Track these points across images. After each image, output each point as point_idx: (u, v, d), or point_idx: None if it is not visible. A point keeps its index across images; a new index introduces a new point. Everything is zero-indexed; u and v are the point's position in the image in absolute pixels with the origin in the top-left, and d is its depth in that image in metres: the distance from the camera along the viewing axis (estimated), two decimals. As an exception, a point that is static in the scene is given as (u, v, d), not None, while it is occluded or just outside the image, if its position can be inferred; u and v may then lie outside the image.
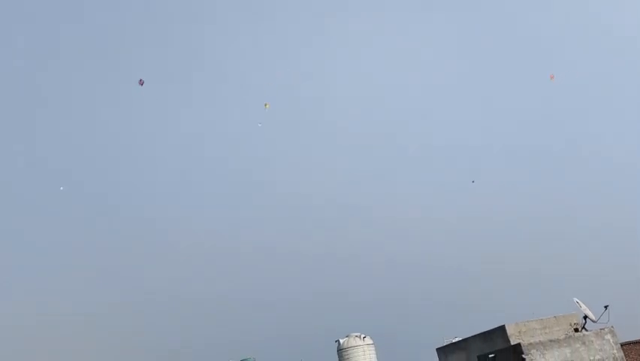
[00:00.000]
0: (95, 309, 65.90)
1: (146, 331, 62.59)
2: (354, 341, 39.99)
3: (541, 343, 25.82)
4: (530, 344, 26.08)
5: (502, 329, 33.17)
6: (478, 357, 30.61)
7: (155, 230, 77.44)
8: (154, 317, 65.35)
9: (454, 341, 39.04)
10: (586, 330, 28.82)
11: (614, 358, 26.44)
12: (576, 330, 28.86)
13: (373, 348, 39.34)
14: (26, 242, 73.06)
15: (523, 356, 26.29)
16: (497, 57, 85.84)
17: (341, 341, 40.72)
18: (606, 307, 28.18)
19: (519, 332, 32.05)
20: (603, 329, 27.77)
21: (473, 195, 75.45)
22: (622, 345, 28.29)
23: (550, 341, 26.03)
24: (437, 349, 40.42)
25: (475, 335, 36.26)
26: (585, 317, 29.27)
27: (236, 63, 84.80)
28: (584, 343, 26.70)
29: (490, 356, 28.93)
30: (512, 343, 30.85)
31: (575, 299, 28.29)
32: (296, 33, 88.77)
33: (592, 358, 26.25)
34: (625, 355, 28.07)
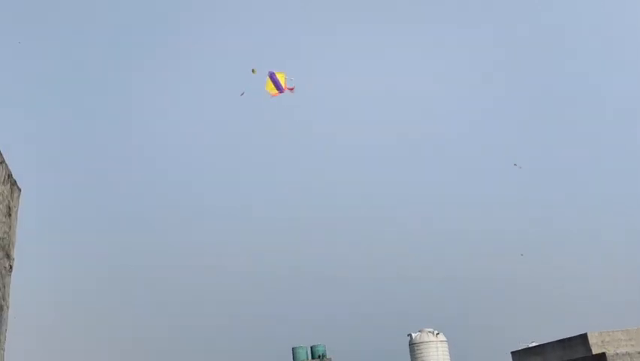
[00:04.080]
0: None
1: (213, 317, 64.69)
2: (426, 337, 40.06)
3: (628, 354, 25.29)
4: (616, 354, 25.56)
5: (583, 337, 32.65)
6: (558, 363, 30.18)
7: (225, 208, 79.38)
8: (228, 303, 67.44)
9: (530, 345, 38.53)
10: (675, 345, 27.92)
11: None
12: (664, 344, 27.99)
13: (446, 345, 39.21)
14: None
15: (607, 365, 25.74)
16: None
17: (413, 335, 40.83)
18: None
19: (602, 341, 31.44)
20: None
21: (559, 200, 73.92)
22: None
23: (638, 353, 25.38)
24: (512, 352, 40.00)
25: (553, 342, 35.78)
26: (674, 332, 28.34)
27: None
28: (673, 358, 25.88)
29: (571, 363, 28.47)
30: (594, 352, 30.27)
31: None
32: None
33: (681, 374, 25.45)
34: None
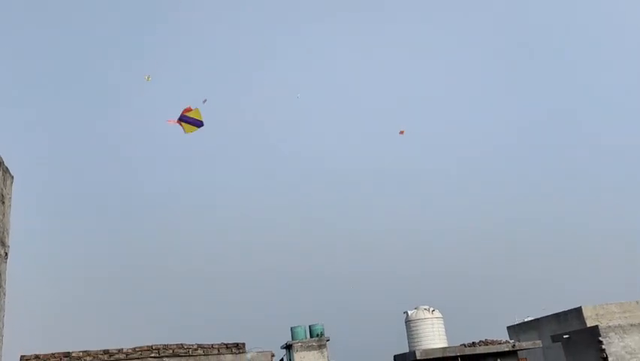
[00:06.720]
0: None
1: (214, 300, 65.18)
2: (422, 314, 40.22)
3: (620, 327, 25.59)
4: (609, 327, 25.88)
5: (578, 311, 33.03)
6: (552, 337, 30.63)
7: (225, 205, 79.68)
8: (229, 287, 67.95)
9: (525, 320, 38.99)
10: (668, 317, 28.30)
11: (696, 346, 25.93)
12: (657, 316, 28.37)
13: (442, 322, 39.43)
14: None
15: (600, 338, 26.06)
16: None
17: (409, 312, 41.04)
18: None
19: (596, 314, 31.81)
20: (686, 317, 27.21)
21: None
22: None
23: (631, 325, 25.68)
24: (508, 327, 40.47)
25: (548, 316, 36.23)
26: (668, 304, 28.70)
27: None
28: (665, 329, 26.22)
29: (565, 336, 28.84)
30: (588, 325, 30.67)
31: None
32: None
33: (673, 345, 25.82)
34: None
